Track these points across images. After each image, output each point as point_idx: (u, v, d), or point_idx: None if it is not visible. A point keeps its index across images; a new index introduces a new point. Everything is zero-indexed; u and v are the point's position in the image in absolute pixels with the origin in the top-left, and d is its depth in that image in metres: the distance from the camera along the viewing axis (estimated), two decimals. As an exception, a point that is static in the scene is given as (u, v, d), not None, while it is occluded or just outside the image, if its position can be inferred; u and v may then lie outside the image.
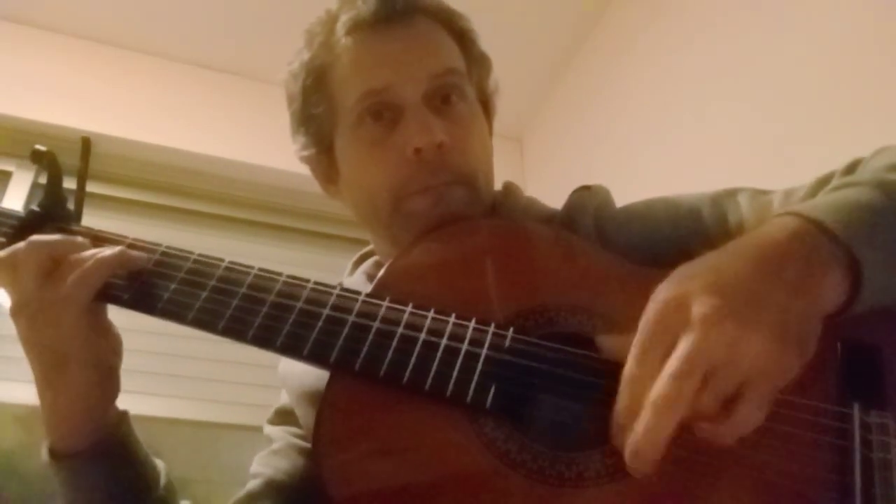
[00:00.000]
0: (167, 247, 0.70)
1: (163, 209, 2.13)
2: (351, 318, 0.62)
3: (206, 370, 1.88)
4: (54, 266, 0.65)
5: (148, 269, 0.68)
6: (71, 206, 0.76)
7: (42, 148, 0.76)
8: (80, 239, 0.69)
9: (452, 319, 0.62)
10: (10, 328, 0.65)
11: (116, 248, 0.68)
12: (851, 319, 0.56)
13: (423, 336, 0.61)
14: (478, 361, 0.59)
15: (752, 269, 0.52)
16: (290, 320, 0.63)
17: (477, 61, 0.84)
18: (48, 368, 0.66)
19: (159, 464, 0.76)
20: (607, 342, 0.59)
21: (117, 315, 0.70)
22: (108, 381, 0.69)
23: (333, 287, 0.66)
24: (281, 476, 0.81)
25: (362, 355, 0.60)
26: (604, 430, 0.53)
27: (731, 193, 0.75)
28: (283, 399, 0.90)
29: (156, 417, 1.76)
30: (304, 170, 0.87)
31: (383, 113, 0.75)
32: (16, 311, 0.64)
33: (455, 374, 0.58)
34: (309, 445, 0.81)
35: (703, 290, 0.50)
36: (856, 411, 0.55)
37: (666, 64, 1.92)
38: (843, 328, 0.56)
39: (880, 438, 0.53)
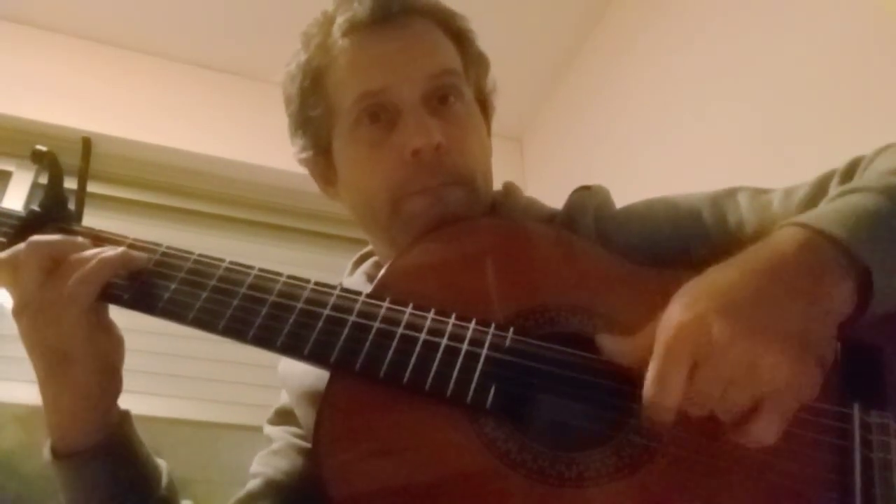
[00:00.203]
0: (167, 247, 0.70)
1: (163, 209, 2.13)
2: (351, 319, 0.62)
3: (206, 370, 1.87)
4: (55, 266, 0.65)
5: (148, 269, 0.68)
6: (71, 206, 0.76)
7: (42, 148, 0.76)
8: (80, 239, 0.69)
9: (452, 320, 0.62)
10: (11, 328, 0.65)
11: (118, 249, 0.68)
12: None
13: (423, 336, 0.61)
14: (478, 361, 0.59)
15: (765, 284, 0.52)
16: (291, 320, 0.63)
17: (474, 61, 0.83)
18: (50, 368, 0.66)
19: (161, 463, 0.76)
20: (607, 342, 0.59)
21: (117, 315, 0.70)
22: (111, 380, 0.69)
23: (334, 287, 0.66)
24: (281, 476, 0.81)
25: (362, 355, 0.60)
26: (604, 430, 0.53)
27: (731, 193, 0.75)
28: (283, 399, 0.90)
29: (156, 417, 1.76)
30: (304, 170, 0.87)
31: (381, 114, 0.75)
32: (18, 311, 0.65)
33: (455, 374, 0.58)
34: (309, 445, 0.81)
35: (720, 313, 0.50)
36: (856, 411, 0.55)
37: (666, 64, 1.92)
38: (843, 328, 0.56)
39: (880, 438, 0.53)
